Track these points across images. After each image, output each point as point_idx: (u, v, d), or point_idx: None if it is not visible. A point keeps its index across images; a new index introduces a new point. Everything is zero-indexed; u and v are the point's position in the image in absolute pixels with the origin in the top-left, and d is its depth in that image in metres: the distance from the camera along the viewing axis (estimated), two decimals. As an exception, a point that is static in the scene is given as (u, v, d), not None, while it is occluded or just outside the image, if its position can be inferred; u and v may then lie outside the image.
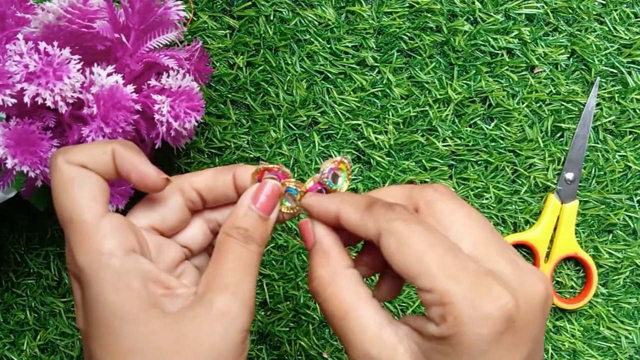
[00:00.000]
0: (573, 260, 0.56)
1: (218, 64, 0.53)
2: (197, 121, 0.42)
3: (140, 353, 0.28)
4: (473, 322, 0.27)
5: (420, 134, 0.53)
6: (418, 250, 0.28)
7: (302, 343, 0.54)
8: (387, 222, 0.29)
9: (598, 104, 0.54)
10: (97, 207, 0.29)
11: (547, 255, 0.54)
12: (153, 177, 0.31)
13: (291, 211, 0.35)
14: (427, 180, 0.53)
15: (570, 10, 0.53)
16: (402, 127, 0.53)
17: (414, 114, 0.53)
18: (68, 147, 0.31)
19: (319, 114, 0.53)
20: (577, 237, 0.54)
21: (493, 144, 0.53)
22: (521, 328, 0.28)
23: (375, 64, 0.53)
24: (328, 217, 0.33)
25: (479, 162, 0.54)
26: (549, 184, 0.54)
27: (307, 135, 0.53)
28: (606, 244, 0.55)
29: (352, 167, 0.35)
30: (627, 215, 0.55)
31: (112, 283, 0.28)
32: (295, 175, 0.53)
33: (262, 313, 0.54)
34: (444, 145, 0.53)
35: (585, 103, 0.53)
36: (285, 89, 0.53)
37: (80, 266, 0.29)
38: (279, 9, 0.52)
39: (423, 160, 0.53)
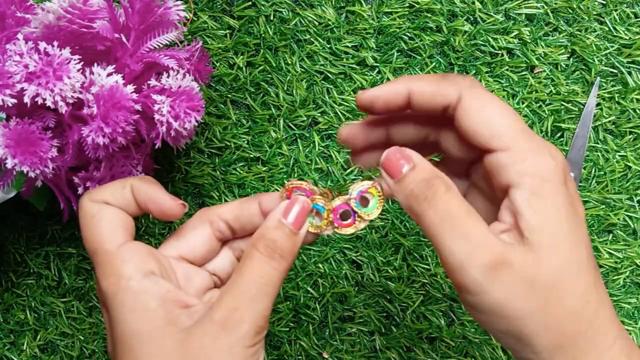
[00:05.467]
0: (573, 260, 0.56)
1: (218, 64, 0.53)
2: (197, 121, 0.42)
3: None
4: (548, 172, 0.29)
5: (420, 134, 0.53)
6: (499, 113, 0.30)
7: (302, 343, 0.54)
8: (469, 87, 0.31)
9: (598, 104, 0.54)
10: (117, 237, 0.32)
11: (547, 255, 0.54)
12: (169, 204, 0.33)
13: (317, 230, 0.34)
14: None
15: (570, 10, 0.53)
16: (402, 127, 0.53)
17: (414, 114, 0.53)
18: (92, 189, 0.33)
19: (319, 114, 0.53)
20: (577, 237, 0.54)
21: (493, 144, 0.53)
22: (570, 186, 0.31)
23: (375, 64, 0.53)
24: (397, 99, 0.33)
25: (479, 162, 0.54)
26: (549, 184, 0.54)
27: (307, 135, 0.53)
28: (606, 244, 0.55)
29: (383, 192, 0.35)
30: (627, 215, 0.55)
31: (130, 304, 0.30)
32: (295, 175, 0.53)
33: (262, 313, 0.54)
34: (444, 145, 0.53)
35: (585, 103, 0.53)
36: (285, 89, 0.53)
37: (104, 290, 0.31)
38: (279, 9, 0.52)
39: (423, 160, 0.53)
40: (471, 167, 0.35)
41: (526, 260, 0.29)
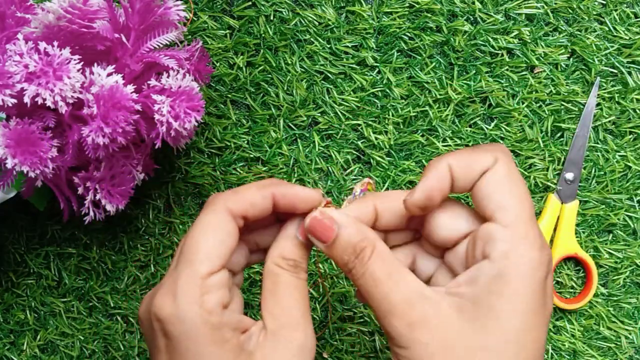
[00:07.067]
0: (573, 260, 0.56)
1: (218, 64, 0.53)
2: (197, 121, 0.42)
3: None
4: (534, 264, 0.30)
5: (420, 134, 0.53)
6: (517, 193, 0.31)
7: (302, 343, 0.54)
8: (501, 152, 0.32)
9: (598, 104, 0.54)
10: (215, 261, 0.32)
11: (547, 255, 0.54)
12: (308, 194, 0.34)
13: None
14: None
15: (570, 10, 0.53)
16: (402, 127, 0.53)
17: (414, 114, 0.53)
18: (230, 193, 0.34)
19: (319, 114, 0.53)
20: (577, 237, 0.54)
21: (493, 144, 0.54)
22: (549, 282, 0.31)
23: (375, 64, 0.53)
24: (446, 184, 0.33)
25: (479, 162, 0.54)
26: (549, 184, 0.54)
27: (307, 135, 0.53)
28: (606, 244, 0.55)
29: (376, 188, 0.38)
30: (627, 215, 0.55)
31: (211, 336, 0.31)
32: (296, 176, 0.53)
33: (262, 313, 0.54)
34: (444, 145, 0.53)
35: (585, 103, 0.53)
36: (285, 89, 0.53)
37: (179, 313, 0.31)
38: (279, 9, 0.52)
39: (423, 161, 0.53)
40: (446, 251, 0.36)
41: (462, 326, 0.30)
